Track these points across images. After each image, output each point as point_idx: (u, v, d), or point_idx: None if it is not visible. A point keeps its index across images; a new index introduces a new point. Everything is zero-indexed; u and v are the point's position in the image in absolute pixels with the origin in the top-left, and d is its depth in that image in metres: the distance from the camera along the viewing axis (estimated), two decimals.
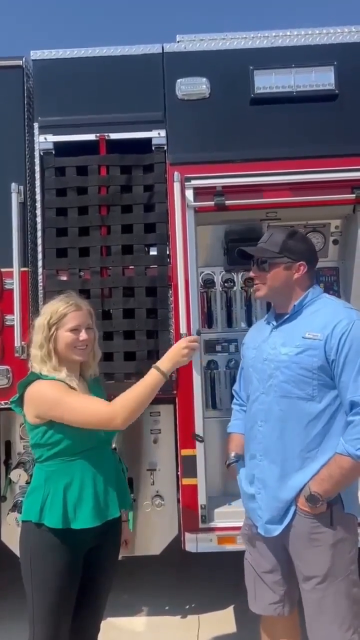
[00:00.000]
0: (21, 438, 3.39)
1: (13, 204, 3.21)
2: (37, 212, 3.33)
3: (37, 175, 3.34)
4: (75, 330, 2.24)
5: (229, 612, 3.52)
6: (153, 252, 3.35)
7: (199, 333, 2.79)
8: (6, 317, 3.24)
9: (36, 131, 3.33)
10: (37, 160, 3.33)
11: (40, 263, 3.32)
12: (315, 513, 2.12)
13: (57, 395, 2.13)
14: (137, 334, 3.22)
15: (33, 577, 2.15)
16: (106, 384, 2.54)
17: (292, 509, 2.17)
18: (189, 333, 3.15)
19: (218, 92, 3.29)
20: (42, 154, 3.32)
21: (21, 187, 3.27)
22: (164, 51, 3.33)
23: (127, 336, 3.22)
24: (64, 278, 3.28)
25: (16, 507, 3.16)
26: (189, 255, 3.21)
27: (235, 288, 3.72)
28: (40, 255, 3.32)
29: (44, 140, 3.31)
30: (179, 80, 3.28)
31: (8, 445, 3.45)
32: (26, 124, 3.35)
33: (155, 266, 3.28)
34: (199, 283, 3.36)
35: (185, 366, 3.15)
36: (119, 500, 2.27)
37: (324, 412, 2.14)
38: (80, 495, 2.15)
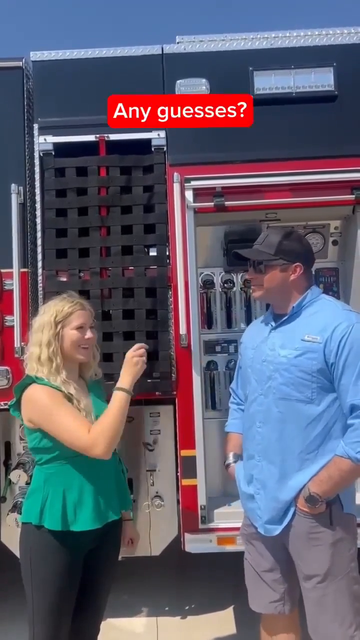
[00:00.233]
0: (21, 439, 3.39)
1: (13, 204, 3.21)
2: (36, 212, 3.33)
3: (37, 176, 3.34)
4: (80, 328, 2.24)
5: (229, 612, 3.52)
6: (153, 252, 3.36)
7: None
8: (6, 318, 3.24)
9: (36, 132, 3.33)
10: (36, 161, 3.33)
11: (40, 264, 3.32)
12: (315, 513, 2.12)
13: (49, 408, 2.10)
14: (136, 335, 3.22)
15: (33, 578, 2.15)
16: (106, 385, 2.53)
17: (292, 509, 2.18)
18: (188, 334, 3.16)
19: (218, 93, 3.27)
20: (41, 154, 3.32)
21: (21, 188, 3.27)
22: (164, 52, 3.32)
23: (127, 337, 3.22)
24: (64, 279, 3.27)
25: (16, 508, 3.16)
26: (188, 256, 3.22)
27: (234, 289, 3.71)
28: (40, 256, 3.32)
29: (43, 141, 3.31)
30: (178, 81, 3.28)
31: (8, 446, 3.45)
32: (26, 124, 3.36)
33: (155, 267, 3.28)
34: (198, 284, 3.36)
35: (185, 367, 3.21)
36: (119, 501, 2.27)
37: (323, 415, 2.14)
38: (81, 498, 2.14)
